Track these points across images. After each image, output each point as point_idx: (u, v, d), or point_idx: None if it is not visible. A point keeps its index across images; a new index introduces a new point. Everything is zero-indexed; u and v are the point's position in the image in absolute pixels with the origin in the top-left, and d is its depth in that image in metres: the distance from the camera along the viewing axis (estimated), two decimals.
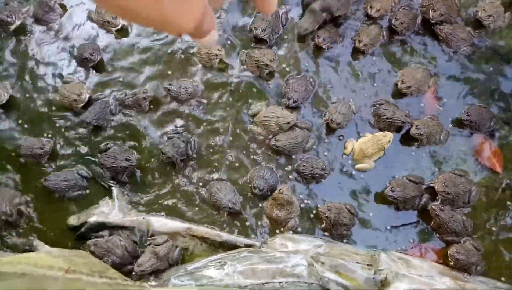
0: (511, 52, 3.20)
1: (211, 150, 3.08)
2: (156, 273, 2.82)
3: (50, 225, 3.00)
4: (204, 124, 3.13)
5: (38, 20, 3.35)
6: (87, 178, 3.06)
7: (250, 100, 3.16)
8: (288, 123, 2.95)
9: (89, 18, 3.36)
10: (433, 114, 3.07)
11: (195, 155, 3.07)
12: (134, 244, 2.88)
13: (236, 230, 2.95)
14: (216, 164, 3.06)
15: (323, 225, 2.92)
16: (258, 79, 3.18)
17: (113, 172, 3.00)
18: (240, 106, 3.15)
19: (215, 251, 2.89)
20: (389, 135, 2.94)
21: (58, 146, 3.12)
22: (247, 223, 2.97)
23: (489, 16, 3.14)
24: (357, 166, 3.02)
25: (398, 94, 3.13)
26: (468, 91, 3.15)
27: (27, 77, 3.27)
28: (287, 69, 3.21)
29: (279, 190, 2.88)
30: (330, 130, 3.08)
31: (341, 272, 2.75)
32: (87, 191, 3.04)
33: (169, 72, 3.23)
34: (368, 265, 2.78)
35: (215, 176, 3.03)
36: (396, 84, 3.11)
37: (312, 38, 3.21)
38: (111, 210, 2.97)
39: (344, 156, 3.05)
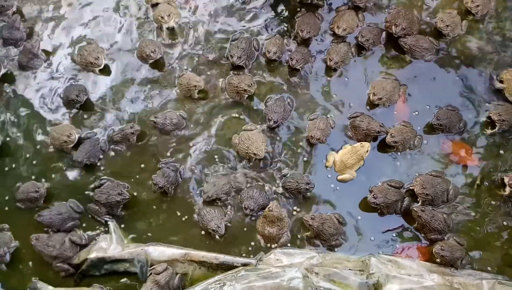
0: (471, 56, 3.41)
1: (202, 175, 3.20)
2: None
3: (50, 266, 3.05)
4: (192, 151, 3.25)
5: (23, 67, 3.46)
6: (79, 212, 3.13)
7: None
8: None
9: (73, 60, 3.48)
10: (405, 121, 3.24)
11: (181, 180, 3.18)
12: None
13: (232, 251, 3.05)
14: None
15: (308, 234, 3.04)
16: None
17: (108, 207, 3.08)
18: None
19: (214, 273, 2.97)
20: (367, 145, 3.09)
21: (52, 187, 3.20)
22: (242, 243, 3.07)
23: (447, 26, 3.34)
24: (340, 176, 3.15)
25: (372, 105, 3.29)
26: (436, 96, 3.33)
27: (16, 122, 3.35)
28: (266, 91, 3.36)
29: (268, 208, 3.00)
30: (311, 145, 3.22)
31: (335, 280, 2.85)
32: (81, 223, 3.12)
33: (152, 106, 3.37)
34: (360, 270, 2.90)
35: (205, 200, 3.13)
36: (368, 96, 3.28)
37: (286, 61, 3.38)
38: (109, 244, 3.05)
39: (327, 168, 3.19)
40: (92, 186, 3.17)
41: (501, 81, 3.30)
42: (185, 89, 3.29)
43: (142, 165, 3.24)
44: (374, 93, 3.21)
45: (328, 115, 3.27)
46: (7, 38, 3.44)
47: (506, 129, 3.21)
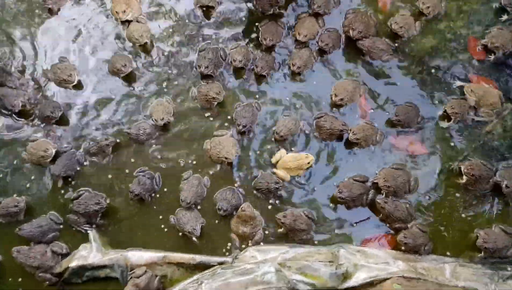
0: (426, 55, 3.59)
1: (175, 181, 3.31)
2: None
3: (34, 276, 3.12)
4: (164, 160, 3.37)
5: None
6: (59, 223, 3.21)
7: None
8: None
9: (46, 78, 3.56)
10: (367, 119, 3.40)
11: (159, 189, 3.29)
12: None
13: (209, 250, 3.15)
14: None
15: (281, 230, 3.16)
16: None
17: (87, 216, 3.17)
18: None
19: (192, 273, 3.07)
20: (310, 158, 3.22)
21: (31, 201, 3.28)
22: (218, 242, 3.18)
23: (401, 27, 3.52)
24: (275, 170, 3.28)
25: (335, 106, 3.44)
26: (394, 94, 3.50)
27: None
28: (234, 98, 3.50)
29: (241, 208, 3.12)
30: (280, 142, 3.36)
31: (307, 273, 2.98)
32: (62, 234, 3.20)
33: (124, 117, 3.47)
34: (329, 261, 3.03)
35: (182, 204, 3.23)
36: (331, 98, 3.44)
37: (252, 68, 3.51)
38: (89, 252, 3.12)
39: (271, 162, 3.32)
40: (70, 197, 3.24)
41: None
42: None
43: (119, 175, 3.33)
44: (335, 94, 3.37)
45: (299, 118, 3.40)
46: (0, 84, 3.49)
47: (460, 121, 3.39)
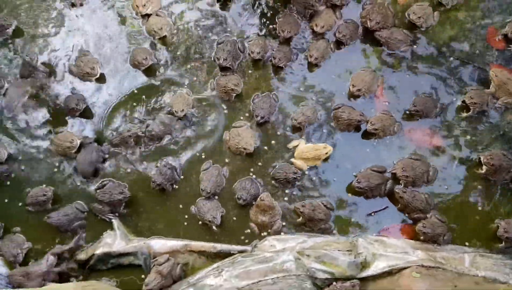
0: (444, 45, 3.53)
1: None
2: None
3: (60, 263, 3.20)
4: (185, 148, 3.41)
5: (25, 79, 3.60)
6: (84, 212, 3.28)
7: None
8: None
9: (70, 71, 3.62)
10: (384, 109, 3.37)
11: (182, 177, 3.32)
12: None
13: (229, 239, 3.19)
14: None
15: (299, 219, 3.17)
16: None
17: (111, 205, 3.24)
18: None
19: (213, 261, 3.11)
20: (328, 149, 3.22)
21: (58, 191, 3.35)
22: (237, 231, 3.21)
23: (419, 17, 3.47)
24: (293, 160, 3.28)
25: (352, 96, 3.42)
26: (412, 84, 3.45)
27: (21, 133, 3.51)
28: (253, 90, 3.51)
29: (260, 198, 3.14)
30: (295, 129, 3.36)
31: (326, 261, 2.99)
32: (87, 222, 3.27)
33: (146, 108, 3.51)
34: (348, 251, 3.03)
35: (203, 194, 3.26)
36: (349, 88, 3.41)
37: (270, 60, 3.51)
38: (114, 240, 3.19)
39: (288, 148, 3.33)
40: (95, 187, 3.31)
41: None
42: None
43: (141, 165, 3.39)
44: (353, 85, 3.35)
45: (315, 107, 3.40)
46: (28, 77, 3.56)
47: (480, 111, 3.33)
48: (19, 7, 3.77)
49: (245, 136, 3.27)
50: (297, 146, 3.31)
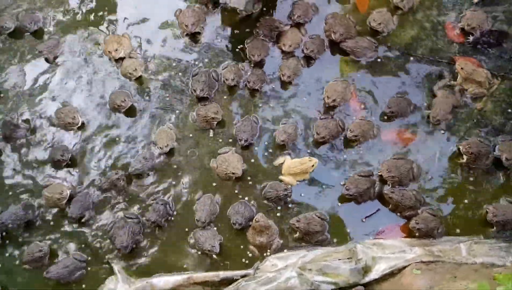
0: (408, 45, 3.60)
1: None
2: None
3: None
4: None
5: (7, 139, 3.53)
6: (84, 261, 3.19)
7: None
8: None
9: (51, 124, 3.58)
10: (361, 115, 3.39)
11: (175, 213, 3.28)
12: None
13: (230, 264, 3.14)
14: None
15: (296, 235, 3.14)
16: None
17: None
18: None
19: None
20: (314, 161, 3.22)
21: (53, 244, 3.27)
22: (238, 256, 3.16)
23: (380, 23, 3.55)
24: (282, 177, 3.28)
25: (329, 108, 3.44)
26: (384, 87, 3.50)
27: (10, 192, 3.44)
28: (232, 115, 3.51)
29: (255, 219, 3.10)
30: (279, 148, 3.35)
31: (328, 272, 2.95)
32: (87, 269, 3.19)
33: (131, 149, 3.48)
34: (348, 258, 3.00)
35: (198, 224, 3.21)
36: (324, 100, 3.44)
37: (245, 84, 3.53)
38: (116, 284, 3.11)
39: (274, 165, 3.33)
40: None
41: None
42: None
43: (134, 206, 3.33)
44: (328, 96, 3.38)
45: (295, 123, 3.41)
46: (10, 136, 3.52)
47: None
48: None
49: (232, 161, 3.26)
50: (283, 163, 3.30)
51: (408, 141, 3.35)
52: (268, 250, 3.14)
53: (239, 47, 3.66)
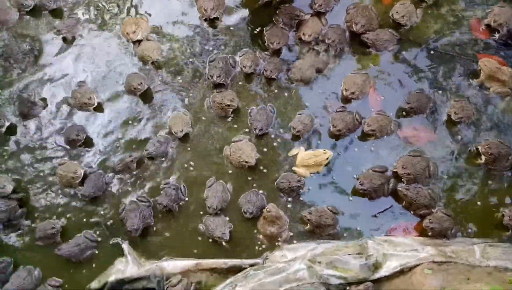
0: (430, 39, 3.49)
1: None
2: None
3: None
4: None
5: (24, 116, 3.52)
6: (94, 240, 3.20)
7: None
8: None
9: (68, 103, 3.56)
10: (379, 109, 3.31)
11: (186, 199, 3.25)
12: None
13: (239, 253, 3.10)
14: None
15: (307, 227, 3.10)
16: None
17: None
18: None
19: (225, 278, 3.03)
20: (329, 154, 3.16)
21: (66, 222, 3.27)
22: (247, 245, 3.13)
23: (403, 16, 3.43)
24: (295, 168, 3.22)
25: (347, 100, 3.36)
26: (404, 82, 3.40)
27: (26, 167, 3.44)
28: (248, 103, 3.45)
29: (266, 209, 3.06)
30: (294, 138, 3.30)
31: (337, 266, 2.91)
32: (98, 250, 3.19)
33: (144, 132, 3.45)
34: (358, 254, 2.95)
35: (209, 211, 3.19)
36: (342, 92, 3.36)
37: (262, 72, 3.46)
38: (126, 265, 3.10)
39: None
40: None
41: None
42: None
43: (146, 189, 3.31)
44: (346, 89, 3.29)
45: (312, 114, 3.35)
46: (27, 113, 3.51)
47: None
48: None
49: (245, 150, 3.21)
50: (297, 154, 3.24)
51: (426, 140, 3.25)
52: (278, 241, 3.11)
53: (256, 32, 3.58)
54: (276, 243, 3.10)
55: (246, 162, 3.19)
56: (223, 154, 3.31)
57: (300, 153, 3.23)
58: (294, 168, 3.22)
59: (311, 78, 3.41)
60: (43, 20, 3.78)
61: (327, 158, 3.15)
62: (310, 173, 3.20)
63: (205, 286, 3.06)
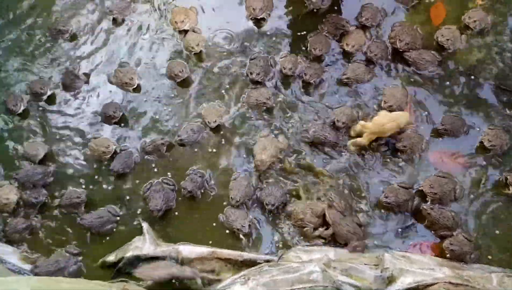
0: (471, 67, 3.55)
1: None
2: None
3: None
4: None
5: (66, 88, 3.71)
6: (117, 215, 3.32)
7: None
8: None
9: (109, 81, 3.73)
10: (413, 127, 3.37)
11: (212, 187, 3.36)
12: None
13: (254, 248, 3.19)
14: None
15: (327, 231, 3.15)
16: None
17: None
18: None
19: (239, 270, 3.09)
20: (406, 115, 3.24)
21: (91, 194, 3.40)
22: (264, 241, 3.21)
23: (448, 40, 3.50)
24: (351, 141, 3.30)
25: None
26: (440, 104, 3.47)
27: (59, 136, 3.60)
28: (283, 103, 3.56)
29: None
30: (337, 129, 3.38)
31: (352, 274, 2.95)
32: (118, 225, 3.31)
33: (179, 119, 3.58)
34: (374, 265, 2.99)
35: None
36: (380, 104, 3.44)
37: (300, 76, 3.57)
38: (143, 244, 3.20)
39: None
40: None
41: None
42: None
43: (170, 173, 3.43)
44: (385, 101, 3.37)
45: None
46: (69, 85, 3.69)
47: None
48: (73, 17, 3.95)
49: (273, 146, 3.31)
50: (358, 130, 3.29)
51: (459, 166, 3.29)
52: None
53: (300, 37, 3.70)
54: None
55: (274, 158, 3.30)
56: (253, 149, 3.39)
57: (366, 124, 3.25)
58: (350, 141, 3.30)
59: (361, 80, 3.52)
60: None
61: (405, 120, 3.21)
62: (370, 141, 3.24)
63: (217, 275, 3.13)
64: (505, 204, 3.18)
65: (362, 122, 3.29)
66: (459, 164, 3.31)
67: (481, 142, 3.31)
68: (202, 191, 3.33)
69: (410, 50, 3.51)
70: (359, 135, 3.29)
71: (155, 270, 3.02)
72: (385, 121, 3.21)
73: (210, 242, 3.22)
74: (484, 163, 3.30)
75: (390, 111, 3.37)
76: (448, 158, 3.33)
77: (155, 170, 3.45)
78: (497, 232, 3.12)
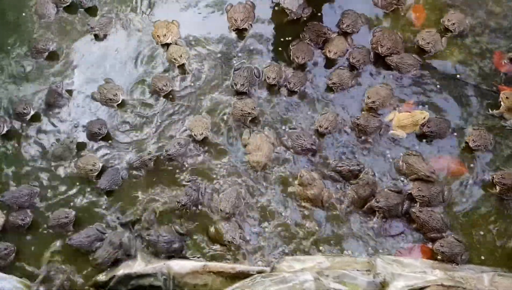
0: (452, 68, 3.63)
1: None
2: None
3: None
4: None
5: (50, 106, 3.71)
6: (105, 233, 3.30)
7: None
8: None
9: (93, 98, 3.74)
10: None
11: (203, 200, 3.37)
12: None
13: (246, 260, 3.20)
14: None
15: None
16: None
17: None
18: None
19: (232, 282, 3.10)
20: (425, 114, 3.37)
21: (79, 213, 3.38)
22: (256, 251, 3.23)
23: (428, 43, 3.58)
24: (393, 131, 3.44)
25: (367, 109, 3.50)
26: (424, 107, 3.53)
27: (45, 156, 3.58)
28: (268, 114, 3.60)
29: (299, 175, 3.27)
30: (320, 135, 3.46)
31: (345, 281, 2.97)
32: None
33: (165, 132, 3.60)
34: (367, 271, 3.01)
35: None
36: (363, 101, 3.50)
37: (284, 85, 3.61)
38: (134, 261, 3.20)
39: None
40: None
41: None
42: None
43: (160, 188, 3.44)
44: (368, 97, 3.45)
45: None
46: (53, 104, 3.70)
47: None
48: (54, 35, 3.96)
49: (263, 149, 3.39)
50: (393, 118, 3.45)
51: (459, 173, 3.35)
52: (322, 202, 3.25)
53: (282, 46, 3.76)
54: (322, 205, 3.26)
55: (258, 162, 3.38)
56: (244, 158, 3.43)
57: (396, 115, 3.44)
58: (391, 131, 3.43)
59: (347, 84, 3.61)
60: (78, 16, 4.00)
61: (424, 118, 3.34)
62: (407, 133, 3.40)
63: (210, 289, 3.13)
64: (492, 203, 3.24)
65: (390, 116, 3.49)
66: (461, 171, 3.36)
67: (466, 143, 3.37)
68: (198, 205, 3.34)
69: (392, 55, 3.58)
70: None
71: None
72: (402, 118, 3.41)
73: (203, 251, 3.24)
74: (470, 163, 3.36)
75: (372, 108, 3.43)
76: (452, 164, 3.39)
77: (143, 186, 3.45)
78: (486, 232, 3.17)
